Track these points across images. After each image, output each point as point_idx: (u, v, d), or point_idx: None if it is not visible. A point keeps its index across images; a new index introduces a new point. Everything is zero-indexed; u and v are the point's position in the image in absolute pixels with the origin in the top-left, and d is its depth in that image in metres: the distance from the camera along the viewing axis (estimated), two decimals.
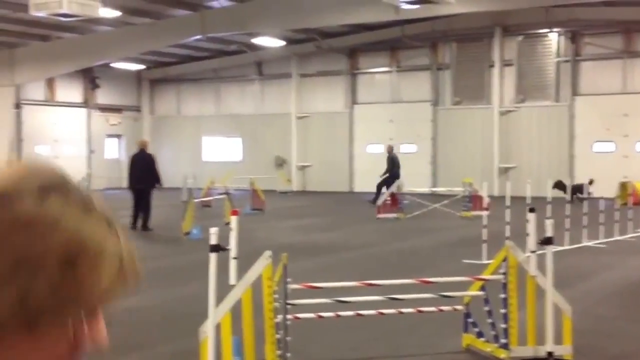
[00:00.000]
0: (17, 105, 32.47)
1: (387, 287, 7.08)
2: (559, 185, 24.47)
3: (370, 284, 6.66)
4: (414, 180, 27.76)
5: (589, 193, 25.27)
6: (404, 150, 31.88)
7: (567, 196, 22.20)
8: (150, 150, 37.23)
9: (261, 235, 16.73)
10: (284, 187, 32.32)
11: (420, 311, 6.84)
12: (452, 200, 21.53)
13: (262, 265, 5.98)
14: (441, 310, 6.94)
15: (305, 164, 33.92)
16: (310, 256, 13.45)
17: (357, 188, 32.67)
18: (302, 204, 26.54)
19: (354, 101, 33.16)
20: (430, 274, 9.26)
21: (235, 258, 5.76)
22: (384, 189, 23.66)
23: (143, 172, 17.44)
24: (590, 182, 24.48)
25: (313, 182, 33.96)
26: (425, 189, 25.49)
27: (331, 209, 24.39)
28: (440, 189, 25.99)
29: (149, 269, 11.85)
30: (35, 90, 33.62)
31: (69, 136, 35.11)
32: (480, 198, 19.17)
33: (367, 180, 32.08)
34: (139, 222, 17.55)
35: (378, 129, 32.35)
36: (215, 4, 25.44)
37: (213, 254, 5.66)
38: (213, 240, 5.64)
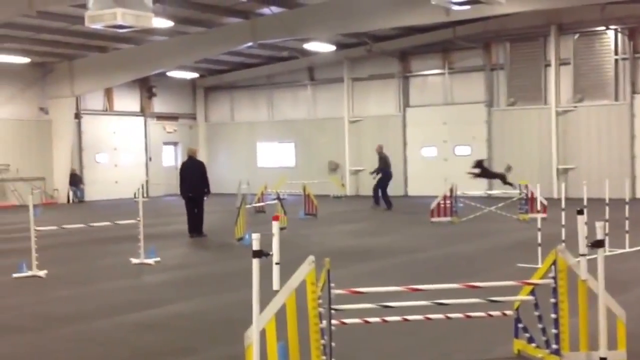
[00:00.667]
0: (77, 116, 33.24)
1: (435, 292, 6.99)
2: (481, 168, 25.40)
3: (416, 289, 6.58)
4: (469, 183, 27.47)
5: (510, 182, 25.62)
6: (458, 152, 31.62)
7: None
8: (204, 157, 37.84)
9: (313, 240, 16.77)
10: (337, 192, 32.34)
11: (468, 316, 6.74)
12: (508, 203, 21.21)
13: (305, 270, 5.97)
14: (490, 316, 6.82)
15: (359, 168, 33.84)
16: (362, 261, 13.42)
17: (411, 192, 32.46)
18: (355, 208, 26.48)
19: (406, 104, 32.98)
20: (483, 278, 9.14)
21: (277, 263, 5.75)
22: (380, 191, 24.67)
23: (194, 179, 17.61)
24: (508, 169, 25.43)
25: (366, 187, 33.76)
26: (480, 192, 25.19)
27: (384, 213, 24.28)
28: (495, 192, 25.64)
29: (202, 275, 12.04)
30: (95, 101, 34.34)
31: (128, 144, 35.76)
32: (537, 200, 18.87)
33: (421, 183, 31.91)
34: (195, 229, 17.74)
35: (431, 131, 32.12)
36: (266, 11, 25.60)
37: (255, 260, 5.66)
38: (255, 246, 5.65)
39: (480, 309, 6.84)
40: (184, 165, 18.20)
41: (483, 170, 25.77)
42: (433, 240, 16.45)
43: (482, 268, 12.40)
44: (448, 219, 20.24)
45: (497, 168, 27.59)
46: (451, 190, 20.56)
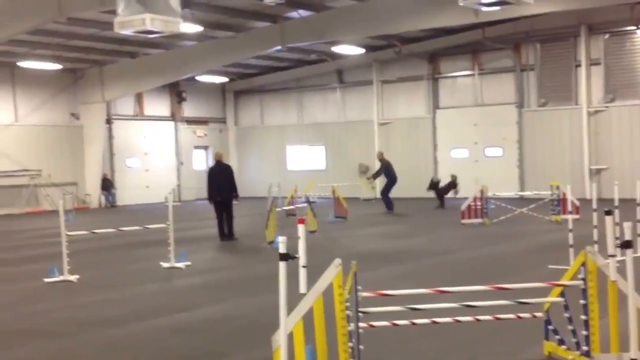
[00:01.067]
0: (108, 121, 33.58)
1: (464, 294, 6.94)
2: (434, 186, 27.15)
3: (444, 291, 6.53)
4: (500, 184, 27.32)
5: (455, 192, 26.91)
6: (489, 154, 31.42)
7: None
8: (235, 161, 38.03)
9: (343, 243, 16.75)
10: (367, 194, 32.28)
11: (498, 318, 6.67)
12: (540, 204, 21.00)
13: (332, 273, 5.95)
14: (520, 318, 6.75)
15: None
16: (392, 263, 13.37)
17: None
18: (385, 210, 26.39)
19: (436, 106, 32.84)
20: (514, 280, 9.03)
21: (304, 266, 5.74)
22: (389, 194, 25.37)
23: (223, 183, 17.66)
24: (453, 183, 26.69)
25: (397, 189, 33.66)
26: (511, 193, 24.99)
27: (414, 215, 24.19)
28: (527, 193, 25.43)
29: (231, 278, 12.06)
30: (125, 106, 34.67)
31: (158, 149, 36.04)
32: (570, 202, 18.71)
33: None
34: (225, 232, 17.80)
35: (461, 133, 31.95)
36: (294, 14, 25.65)
37: (282, 263, 5.66)
38: (282, 249, 5.64)
39: (510, 310, 6.78)
40: (211, 169, 18.28)
41: (437, 190, 27.04)
42: (464, 242, 16.33)
43: (513, 270, 12.28)
44: (479, 220, 20.12)
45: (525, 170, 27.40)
46: (482, 192, 20.42)
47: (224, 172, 17.87)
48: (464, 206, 20.33)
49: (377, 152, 27.52)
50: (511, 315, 6.71)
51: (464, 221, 20.01)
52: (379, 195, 33.31)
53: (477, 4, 17.23)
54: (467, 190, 23.83)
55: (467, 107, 31.96)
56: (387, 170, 26.05)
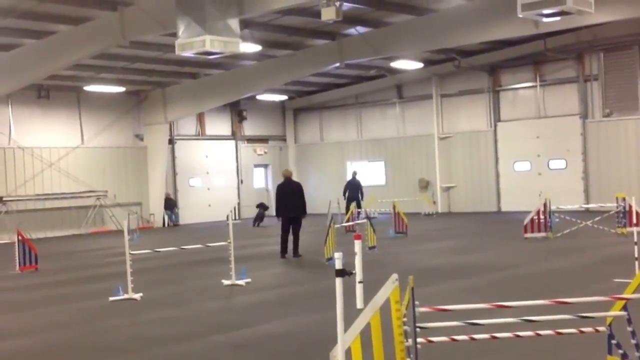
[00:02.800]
0: (171, 141, 34.16)
1: (523, 309, 6.82)
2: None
3: (502, 306, 6.44)
4: (564, 197, 26.81)
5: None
6: (553, 166, 30.90)
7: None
8: (295, 177, 38.27)
9: (403, 259, 16.66)
10: (428, 209, 32.07)
11: (559, 333, 6.54)
12: (605, 217, 20.52)
13: (388, 289, 5.93)
14: (582, 332, 6.60)
15: (450, 184, 33.49)
16: (453, 279, 13.24)
17: (505, 207, 31.86)
18: (446, 225, 26.18)
19: (497, 119, 32.47)
20: (578, 294, 8.86)
21: (360, 282, 5.74)
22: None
23: (293, 201, 17.77)
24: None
25: (458, 203, 33.46)
26: (575, 206, 24.50)
27: (477, 230, 23.91)
28: (592, 205, 24.89)
29: (291, 295, 12.11)
30: (187, 126, 35.22)
31: (220, 168, 36.47)
32: (636, 213, 18.29)
33: (514, 199, 31.26)
34: (289, 249, 17.81)
35: (524, 145, 31.49)
36: (352, 31, 25.75)
37: (339, 279, 5.67)
38: (338, 265, 5.66)
39: (572, 325, 6.64)
40: (281, 187, 18.27)
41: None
42: (527, 257, 16.07)
43: (577, 284, 12.03)
44: (543, 234, 19.76)
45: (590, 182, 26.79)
46: (545, 205, 20.06)
47: (293, 189, 17.96)
48: (527, 220, 20.00)
49: (353, 172, 29.17)
50: (573, 330, 6.58)
51: (527, 235, 19.68)
52: (440, 210, 33.16)
53: (537, 15, 17.04)
54: (530, 204, 23.43)
55: (530, 119, 31.50)
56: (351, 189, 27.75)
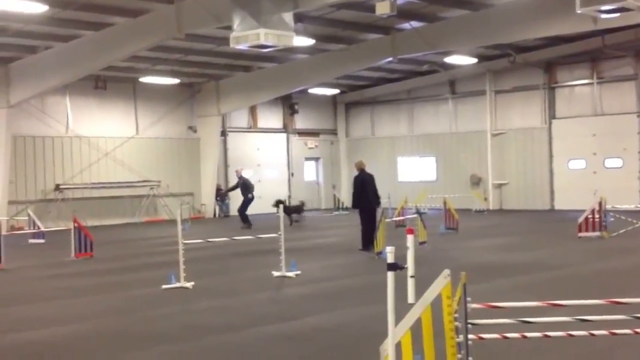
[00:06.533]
0: (224, 133, 34.46)
1: (578, 308, 6.73)
2: (280, 204, 26.32)
3: (556, 305, 6.37)
4: (620, 196, 26.27)
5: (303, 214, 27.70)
6: (608, 165, 30.35)
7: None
8: (345, 172, 38.19)
9: (453, 255, 16.55)
10: (479, 206, 31.79)
11: (613, 333, 6.44)
12: None
13: (440, 284, 5.92)
14: (637, 333, 6.49)
15: (502, 182, 33.14)
16: (504, 276, 13.11)
17: (558, 206, 31.41)
18: (498, 222, 25.91)
19: (552, 116, 31.99)
20: (634, 294, 8.70)
21: (412, 276, 5.74)
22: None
23: (371, 192, 17.84)
24: (302, 206, 28.00)
25: (510, 201, 33.08)
26: (632, 206, 24.01)
27: (528, 228, 23.62)
28: None
29: (341, 288, 12.15)
30: (239, 118, 35.50)
31: (271, 160, 36.68)
32: None
33: (569, 197, 30.77)
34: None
35: (579, 143, 30.98)
36: (406, 26, 25.61)
37: (390, 273, 5.68)
38: (390, 259, 5.66)
39: (627, 325, 6.53)
40: (358, 178, 18.26)
41: (285, 208, 26.43)
42: (581, 256, 15.84)
43: (632, 284, 11.81)
44: (597, 233, 19.43)
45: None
46: (600, 204, 19.72)
47: (369, 180, 18.02)
48: (581, 219, 19.69)
49: (237, 170, 28.54)
50: (628, 331, 6.47)
51: (581, 234, 19.38)
52: (491, 207, 32.84)
53: (596, 11, 16.75)
54: (584, 203, 23.06)
55: (585, 116, 30.97)
56: (243, 188, 27.34)
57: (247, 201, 27.24)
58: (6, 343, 8.87)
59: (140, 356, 8.02)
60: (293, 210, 27.76)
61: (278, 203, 27.13)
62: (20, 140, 28.17)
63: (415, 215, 19.37)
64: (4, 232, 18.02)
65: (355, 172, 18.63)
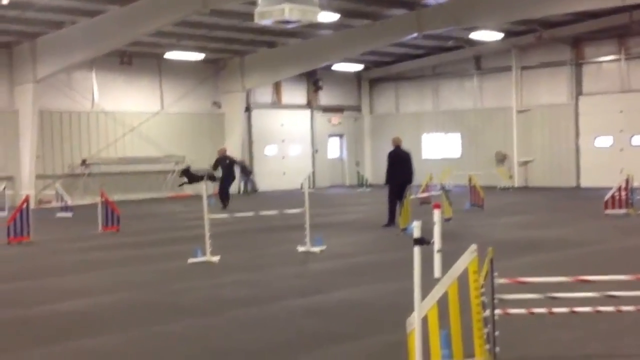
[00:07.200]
0: (248, 109, 34.50)
1: (605, 284, 6.71)
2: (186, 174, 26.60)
3: (584, 280, 6.35)
4: None
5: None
6: (635, 142, 30.07)
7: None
8: (369, 148, 38.10)
9: (478, 232, 16.52)
10: (504, 183, 31.64)
11: None
12: None
13: (467, 259, 5.92)
14: None
15: (527, 159, 32.92)
16: (529, 253, 13.08)
17: (584, 183, 31.20)
18: (523, 200, 25.79)
19: (579, 92, 31.68)
20: None
21: (439, 251, 5.74)
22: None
23: (406, 168, 17.79)
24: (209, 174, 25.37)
25: (535, 178, 32.88)
26: None
27: (554, 205, 23.50)
28: None
29: (366, 264, 12.18)
30: (264, 94, 35.51)
31: (295, 137, 36.71)
32: None
33: (595, 175, 30.53)
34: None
35: (606, 120, 30.68)
36: (431, 1, 25.41)
37: (417, 248, 5.69)
38: (416, 234, 5.67)
39: None
40: (393, 154, 18.18)
41: (190, 176, 26.49)
42: (607, 233, 15.74)
43: None
44: (623, 210, 19.28)
45: None
46: (627, 181, 19.55)
47: (405, 157, 17.96)
48: (607, 196, 19.54)
49: (221, 148, 26.96)
50: None
51: (607, 211, 19.25)
52: (516, 185, 32.67)
53: None
54: (611, 180, 22.87)
55: (613, 93, 30.65)
56: (233, 167, 25.95)
57: (232, 181, 26.30)
58: (36, 314, 9.02)
59: (168, 328, 8.12)
60: (199, 179, 26.12)
61: (184, 172, 26.94)
62: (47, 115, 28.41)
63: (440, 192, 19.33)
64: (32, 206, 18.24)
65: (391, 148, 18.46)
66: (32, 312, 9.11)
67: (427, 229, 5.43)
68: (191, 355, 6.95)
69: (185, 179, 26.87)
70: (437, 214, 5.85)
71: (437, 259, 5.82)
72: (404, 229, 15.97)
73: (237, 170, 27.01)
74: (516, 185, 32.64)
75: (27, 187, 26.24)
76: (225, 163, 25.46)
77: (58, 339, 7.68)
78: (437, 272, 5.86)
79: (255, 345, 7.25)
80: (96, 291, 10.46)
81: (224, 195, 24.82)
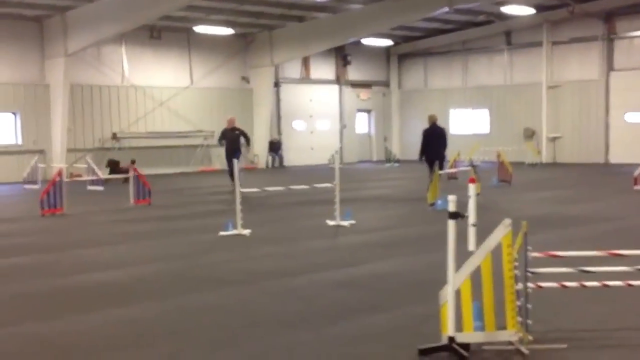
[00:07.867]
0: (276, 84, 34.55)
1: (635, 258, 6.74)
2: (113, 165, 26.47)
3: (616, 254, 6.39)
4: None
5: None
6: None
7: None
8: (397, 124, 38.00)
9: (507, 207, 16.52)
10: (533, 159, 31.48)
11: None
12: None
13: (501, 232, 5.97)
14: None
15: (556, 135, 32.69)
16: (559, 228, 13.08)
17: (613, 159, 30.96)
18: (551, 176, 25.67)
19: (610, 68, 31.33)
20: None
21: (474, 225, 5.81)
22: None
23: (439, 144, 18.30)
24: (133, 162, 22.11)
25: (564, 154, 32.68)
26: None
27: (582, 181, 23.39)
28: None
29: (395, 238, 12.27)
30: (292, 69, 35.51)
31: (323, 112, 36.74)
32: None
33: (624, 151, 30.31)
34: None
35: (637, 96, 30.33)
36: None
37: (451, 221, 5.76)
38: (451, 208, 5.74)
39: None
40: (429, 131, 18.59)
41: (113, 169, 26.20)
42: (637, 208, 15.68)
43: None
44: None
45: None
46: None
47: (440, 133, 18.50)
48: (637, 171, 19.42)
49: (231, 118, 23.81)
50: None
51: (637, 187, 19.14)
52: (544, 161, 32.48)
53: None
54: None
55: None
56: (235, 139, 22.85)
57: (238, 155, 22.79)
58: (74, 283, 9.23)
59: (202, 297, 8.28)
60: (124, 171, 23.81)
61: (110, 164, 26.62)
62: (78, 89, 28.69)
63: (468, 168, 19.31)
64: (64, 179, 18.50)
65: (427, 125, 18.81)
66: (70, 282, 9.32)
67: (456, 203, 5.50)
68: (227, 325, 7.10)
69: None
70: (472, 188, 5.91)
71: (471, 233, 5.89)
72: (432, 204, 16.01)
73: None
74: (544, 161, 32.46)
75: (58, 160, 26.60)
76: (233, 134, 23.01)
77: (97, 307, 7.87)
78: (471, 246, 5.93)
79: (287, 316, 7.38)
80: (131, 262, 10.66)
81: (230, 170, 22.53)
